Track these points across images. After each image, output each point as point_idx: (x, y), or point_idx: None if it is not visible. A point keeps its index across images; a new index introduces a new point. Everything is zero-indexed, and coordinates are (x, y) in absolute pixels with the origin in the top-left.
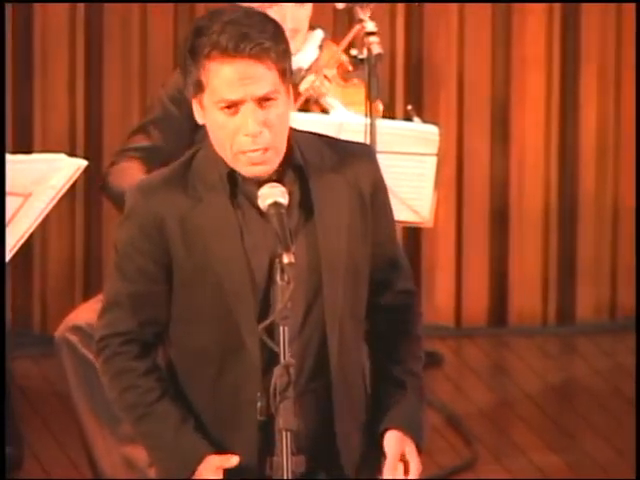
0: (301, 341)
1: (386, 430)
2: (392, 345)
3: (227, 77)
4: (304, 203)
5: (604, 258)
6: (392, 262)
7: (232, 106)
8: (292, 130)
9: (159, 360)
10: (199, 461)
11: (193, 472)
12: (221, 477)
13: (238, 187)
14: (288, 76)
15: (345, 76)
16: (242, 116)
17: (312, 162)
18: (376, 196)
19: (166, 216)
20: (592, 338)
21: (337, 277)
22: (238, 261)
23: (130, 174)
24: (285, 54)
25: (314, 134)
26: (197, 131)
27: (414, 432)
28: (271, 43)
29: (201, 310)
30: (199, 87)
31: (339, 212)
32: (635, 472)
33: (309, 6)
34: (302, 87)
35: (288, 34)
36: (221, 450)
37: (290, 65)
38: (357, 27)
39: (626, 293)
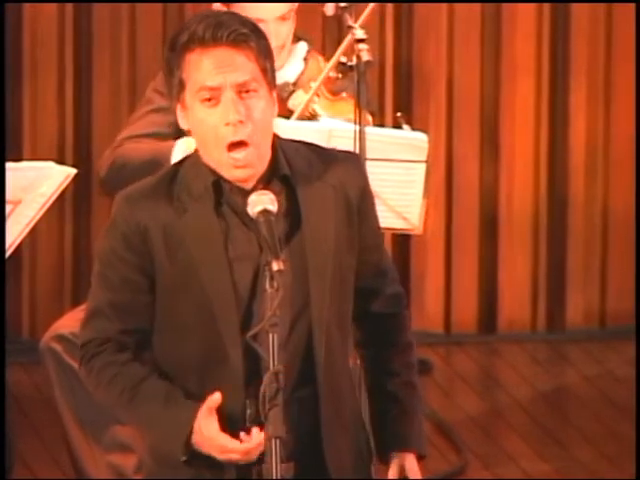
0: (288, 349)
1: (388, 450)
2: (385, 357)
3: (206, 67)
4: (291, 211)
5: (593, 265)
6: (379, 268)
7: (212, 97)
8: (278, 139)
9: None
10: (192, 419)
11: (191, 433)
12: (217, 420)
13: (223, 197)
14: (270, 77)
15: (333, 89)
16: (223, 106)
17: (299, 170)
18: (363, 203)
19: (150, 225)
20: (582, 345)
21: (324, 285)
22: (221, 271)
23: (145, 147)
24: (267, 52)
25: (300, 142)
26: None
27: (414, 446)
28: (250, 33)
29: (184, 320)
30: (181, 86)
31: (326, 220)
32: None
33: (291, 21)
34: (291, 102)
35: (274, 52)
36: (203, 458)
37: (273, 66)
38: (347, 39)
39: (615, 300)
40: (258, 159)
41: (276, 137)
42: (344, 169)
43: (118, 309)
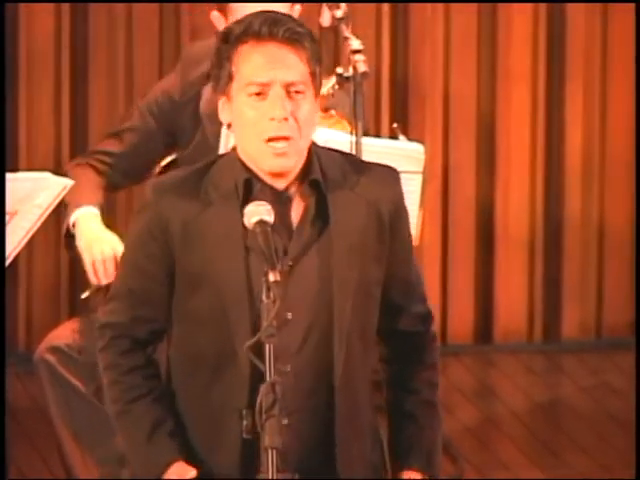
0: (303, 356)
1: (400, 467)
2: (407, 374)
3: (258, 61)
4: (320, 218)
5: (589, 275)
6: (407, 284)
7: (261, 92)
8: (314, 145)
9: (158, 356)
10: (167, 466)
11: (160, 476)
12: None
13: (253, 196)
14: (318, 82)
15: (325, 105)
16: (270, 101)
17: (332, 178)
18: (396, 218)
19: (171, 218)
20: (578, 356)
21: (348, 295)
22: (238, 270)
23: (77, 187)
24: (318, 58)
25: (338, 151)
26: (172, 147)
27: (427, 468)
28: (305, 33)
29: (200, 314)
30: (229, 78)
31: (355, 230)
32: None
33: None
34: None
35: None
36: (205, 453)
37: (321, 73)
38: (332, 83)
39: (612, 311)
40: (296, 152)
41: (312, 143)
42: (379, 183)
43: (133, 295)
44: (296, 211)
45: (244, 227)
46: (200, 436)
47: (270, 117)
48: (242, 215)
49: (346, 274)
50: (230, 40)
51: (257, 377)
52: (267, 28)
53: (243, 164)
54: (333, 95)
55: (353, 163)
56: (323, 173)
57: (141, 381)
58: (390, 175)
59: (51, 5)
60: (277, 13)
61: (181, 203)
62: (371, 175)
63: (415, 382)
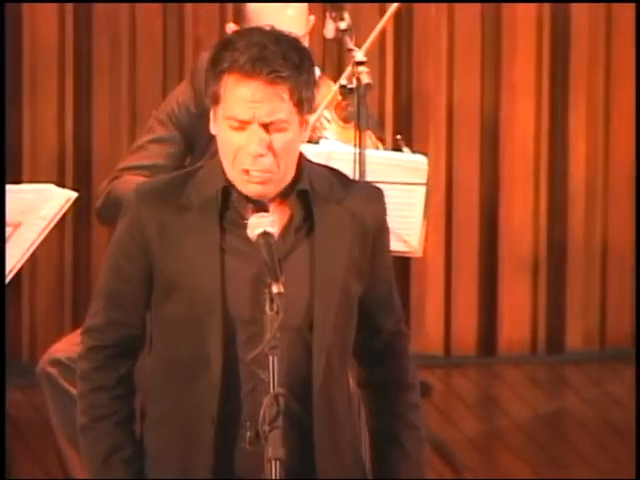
0: (283, 366)
1: None
2: (390, 398)
3: (240, 96)
4: (304, 228)
5: (593, 287)
6: (386, 304)
7: (239, 127)
8: (305, 160)
9: (134, 369)
10: None
11: None
12: None
13: (230, 202)
14: (305, 107)
15: (344, 117)
16: (247, 136)
17: (319, 192)
18: (379, 236)
19: (148, 221)
20: (581, 367)
21: (330, 307)
22: (212, 276)
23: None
24: (307, 85)
25: (327, 167)
26: (190, 151)
27: None
28: (290, 72)
29: (175, 318)
30: (216, 99)
31: (339, 243)
32: None
33: (305, 41)
34: None
35: None
36: (180, 456)
37: (311, 96)
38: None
39: (615, 322)
40: (274, 181)
41: (303, 157)
42: (366, 200)
43: (110, 296)
44: (280, 220)
45: (221, 233)
46: (176, 439)
47: (246, 153)
48: (221, 223)
49: (329, 285)
50: (216, 67)
51: (229, 384)
52: (251, 65)
53: (224, 172)
54: (349, 105)
55: (340, 179)
56: (311, 185)
57: (108, 401)
58: (376, 193)
59: (54, 5)
60: (267, 44)
61: (160, 207)
62: (357, 191)
63: (398, 405)
